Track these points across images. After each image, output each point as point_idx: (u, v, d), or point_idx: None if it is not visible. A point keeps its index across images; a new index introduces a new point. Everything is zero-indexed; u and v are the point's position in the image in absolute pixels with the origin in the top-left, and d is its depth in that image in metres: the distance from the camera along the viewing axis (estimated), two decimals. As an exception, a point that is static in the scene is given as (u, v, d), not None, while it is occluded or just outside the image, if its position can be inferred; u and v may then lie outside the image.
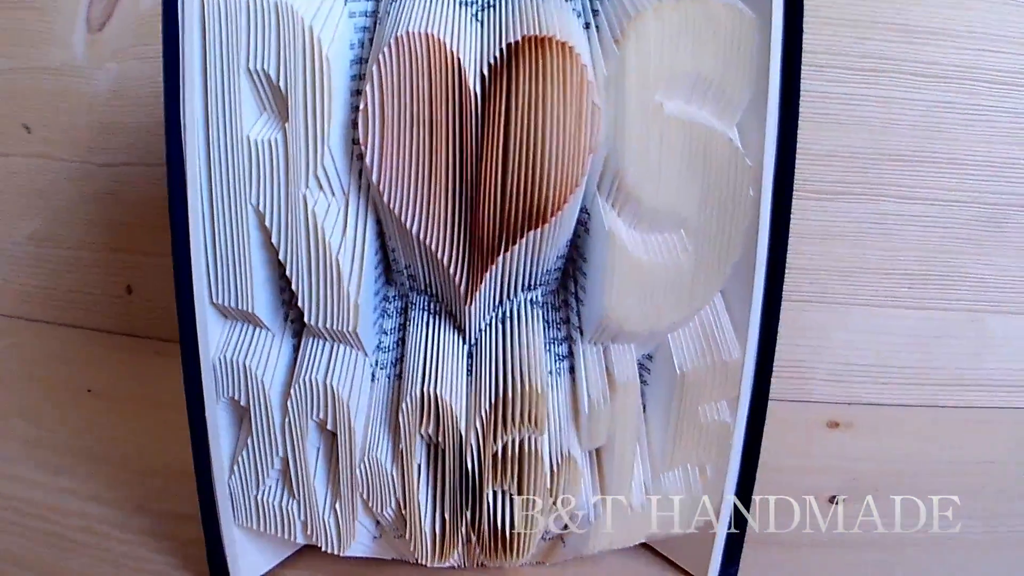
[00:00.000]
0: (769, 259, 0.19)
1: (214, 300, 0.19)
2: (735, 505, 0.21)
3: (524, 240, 0.17)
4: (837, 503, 0.27)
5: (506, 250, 0.17)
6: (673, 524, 0.21)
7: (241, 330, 0.19)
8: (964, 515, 0.25)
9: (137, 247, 0.40)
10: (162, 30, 0.17)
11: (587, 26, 0.18)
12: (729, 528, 0.21)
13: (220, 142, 0.18)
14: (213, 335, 0.19)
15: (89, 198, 0.40)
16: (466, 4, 0.17)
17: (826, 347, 0.35)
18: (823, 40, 0.32)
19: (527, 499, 0.19)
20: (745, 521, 0.21)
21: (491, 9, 0.17)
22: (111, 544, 0.24)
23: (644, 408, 0.20)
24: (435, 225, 0.17)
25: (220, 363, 0.19)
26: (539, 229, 0.17)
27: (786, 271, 0.37)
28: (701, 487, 0.21)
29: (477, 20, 0.17)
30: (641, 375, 0.20)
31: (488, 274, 0.18)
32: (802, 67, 0.18)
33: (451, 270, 0.17)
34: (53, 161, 0.40)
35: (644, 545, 0.23)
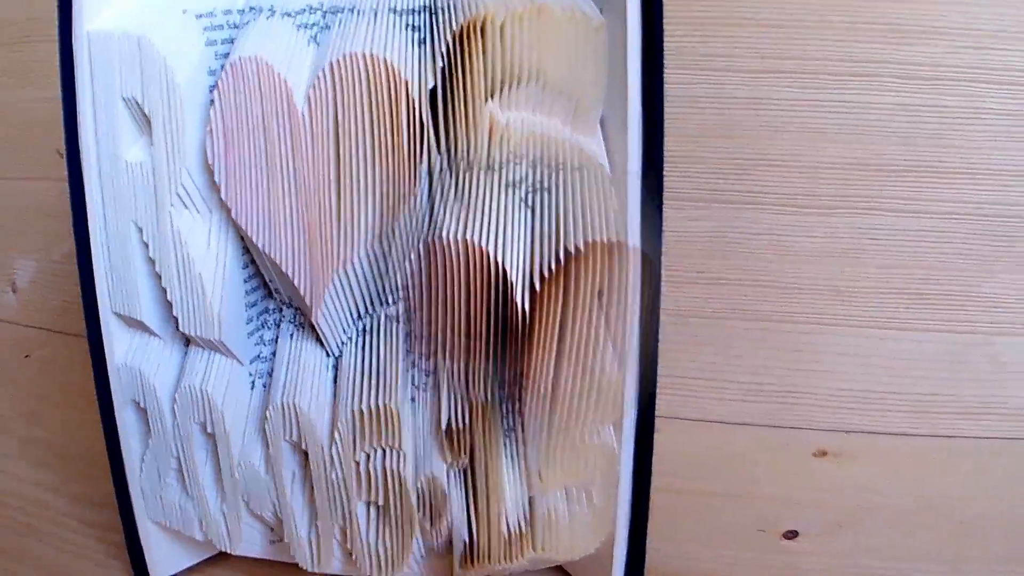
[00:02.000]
0: (644, 272, 0.18)
1: (114, 309, 0.20)
2: (629, 536, 0.20)
3: (361, 254, 0.17)
4: (795, 538, 0.24)
5: (345, 263, 0.17)
6: (560, 549, 0.20)
7: (140, 338, 0.21)
8: (930, 558, 0.23)
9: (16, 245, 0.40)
10: (59, 56, 0.19)
11: (422, 42, 0.17)
12: (628, 555, 0.20)
13: (106, 163, 0.19)
14: (120, 342, 0.21)
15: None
16: (305, 27, 0.18)
17: (818, 371, 0.32)
18: (811, 46, 0.29)
19: (393, 513, 0.19)
20: (644, 547, 0.20)
21: (325, 30, 0.18)
22: (77, 536, 0.26)
23: (523, 428, 0.20)
24: (277, 239, 0.18)
25: (123, 368, 0.21)
26: (378, 243, 0.17)
27: (777, 290, 0.34)
28: (588, 511, 0.20)
29: (316, 43, 0.17)
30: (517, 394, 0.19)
31: (330, 288, 0.18)
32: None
33: (295, 282, 0.18)
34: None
35: (560, 569, 0.22)
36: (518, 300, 0.14)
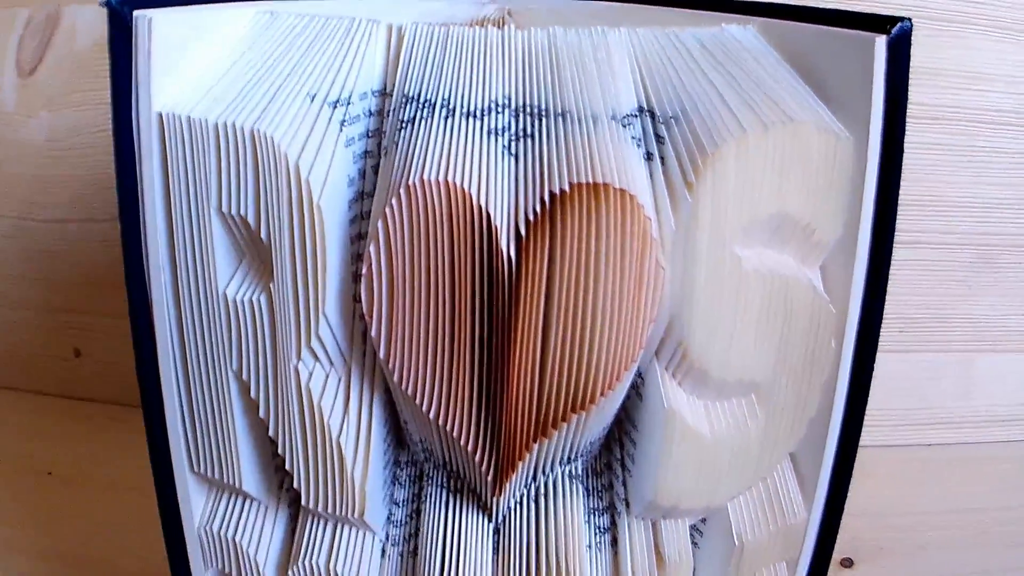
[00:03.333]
0: (846, 413, 0.16)
1: (195, 470, 0.16)
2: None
3: (565, 424, 0.14)
4: (851, 566, 0.25)
5: (543, 436, 0.14)
6: None
7: (228, 501, 0.16)
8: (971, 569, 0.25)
9: (84, 307, 0.36)
10: (115, 161, 0.14)
11: (648, 157, 0.14)
12: None
13: (191, 296, 0.14)
14: (197, 505, 0.16)
15: (29, 256, 0.36)
16: (495, 133, 0.14)
17: None
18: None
19: None
20: None
21: (528, 139, 0.14)
22: None
23: (694, 574, 0.18)
24: (457, 410, 0.14)
25: (207, 536, 0.16)
26: (583, 413, 0.14)
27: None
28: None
29: (510, 154, 0.14)
30: (692, 536, 0.17)
31: (521, 463, 0.15)
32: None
33: (476, 458, 0.14)
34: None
35: None
36: (503, 246, 0.13)
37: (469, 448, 0.14)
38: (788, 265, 0.15)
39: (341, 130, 0.14)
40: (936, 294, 0.33)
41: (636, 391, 0.15)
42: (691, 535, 0.17)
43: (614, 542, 0.17)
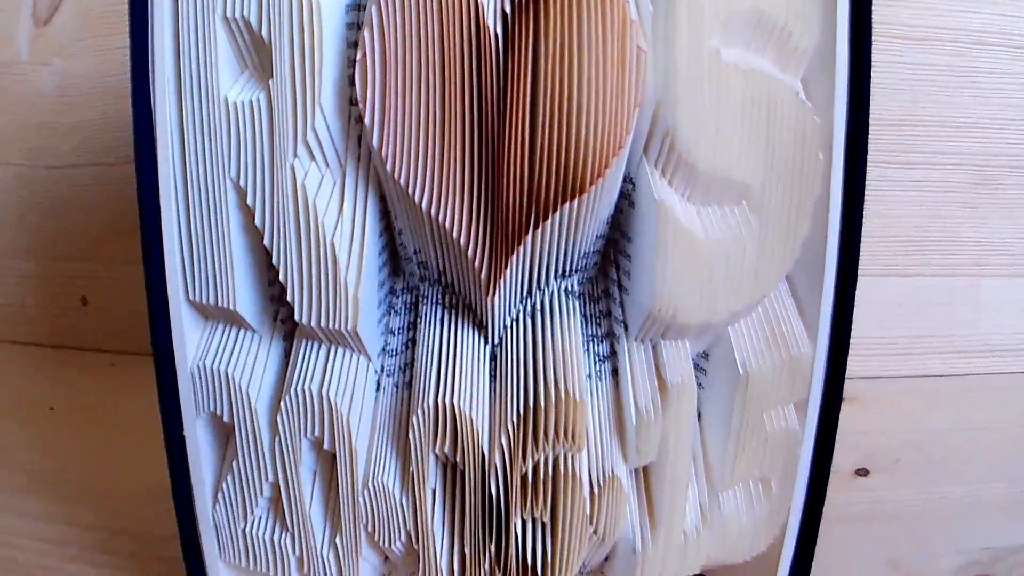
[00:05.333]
0: (843, 235, 0.16)
1: (191, 297, 0.16)
2: (802, 524, 0.18)
3: (557, 215, 0.14)
4: (867, 475, 0.26)
5: (536, 227, 0.14)
6: (733, 551, 0.18)
7: (223, 332, 0.16)
8: (990, 479, 0.26)
9: (90, 255, 0.37)
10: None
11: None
12: (796, 548, 0.18)
13: (194, 105, 0.15)
14: (191, 339, 0.16)
15: (37, 203, 0.37)
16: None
17: None
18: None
19: (562, 528, 0.16)
20: (814, 540, 0.18)
21: (512, -62, 0.15)
22: (85, 569, 0.21)
23: (700, 416, 0.17)
24: (450, 199, 0.14)
25: (199, 372, 0.16)
26: (575, 201, 0.14)
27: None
28: (766, 505, 0.18)
29: (496, -49, 0.14)
30: (696, 376, 0.17)
31: (515, 257, 0.15)
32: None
33: (470, 253, 0.15)
34: (-4, 164, 0.38)
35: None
36: (491, 25, 0.13)
37: (462, 241, 0.14)
38: (768, 68, 0.15)
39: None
40: (940, 216, 0.33)
41: (628, 200, 0.16)
42: (696, 376, 0.17)
43: (614, 372, 0.16)
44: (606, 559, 0.18)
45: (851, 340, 0.35)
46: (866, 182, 0.16)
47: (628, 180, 0.15)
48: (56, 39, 0.36)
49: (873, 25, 0.34)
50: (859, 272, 0.35)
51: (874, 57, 0.34)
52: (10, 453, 0.28)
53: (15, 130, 0.37)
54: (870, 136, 0.35)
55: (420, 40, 0.14)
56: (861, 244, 0.17)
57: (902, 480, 0.26)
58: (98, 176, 0.36)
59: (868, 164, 0.35)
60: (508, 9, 0.14)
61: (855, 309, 0.35)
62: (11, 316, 0.39)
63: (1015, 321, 0.34)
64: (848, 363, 0.34)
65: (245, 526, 0.17)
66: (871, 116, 0.34)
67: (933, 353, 0.34)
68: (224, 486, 0.17)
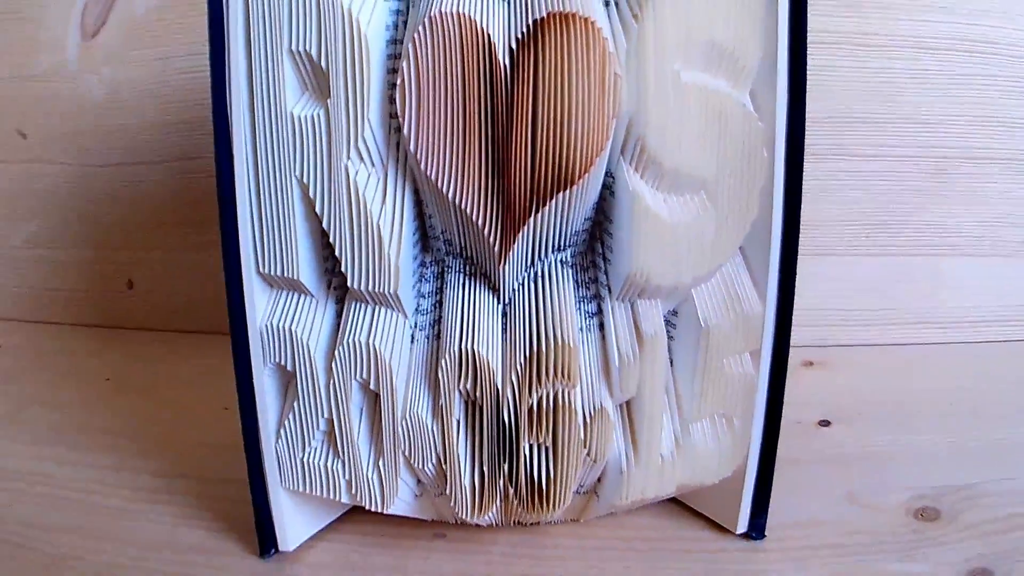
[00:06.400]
0: (785, 216, 0.20)
1: (260, 270, 0.20)
2: (761, 454, 0.22)
3: (554, 202, 0.18)
4: (829, 426, 0.29)
5: (537, 211, 0.18)
6: (703, 474, 0.22)
7: (286, 298, 0.20)
8: (939, 431, 0.29)
9: (136, 244, 0.41)
10: (208, 16, 0.19)
11: (607, 3, 0.19)
12: (757, 475, 0.22)
13: (265, 119, 0.19)
14: (260, 303, 0.20)
15: (85, 199, 0.41)
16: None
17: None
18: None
19: (561, 451, 0.20)
20: (772, 470, 0.22)
21: (516, -13, 0.18)
22: (161, 507, 0.25)
23: (672, 362, 0.21)
24: (470, 189, 0.18)
25: (267, 330, 0.20)
26: (568, 190, 0.18)
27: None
28: (729, 437, 0.22)
29: (503, 0, 0.18)
30: (668, 330, 0.21)
31: (520, 234, 0.19)
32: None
33: (485, 231, 0.19)
34: (49, 165, 0.41)
35: (674, 501, 0.24)
36: (500, 58, 0.17)
37: (479, 222, 0.18)
38: (722, 86, 0.19)
39: (379, -14, 0.19)
40: (899, 202, 0.37)
41: (609, 190, 0.20)
42: (667, 329, 0.21)
43: (601, 326, 0.21)
44: (599, 480, 0.22)
45: (820, 312, 0.39)
46: (803, 174, 0.20)
47: (609, 175, 0.19)
48: (103, 51, 0.39)
49: (840, 34, 0.38)
50: (827, 252, 0.40)
51: (841, 63, 0.38)
52: (77, 418, 0.31)
53: (69, 134, 0.41)
54: (835, 131, 0.40)
55: (446, 69, 0.18)
56: (801, 225, 0.21)
57: (861, 431, 0.29)
58: (141, 174, 0.40)
59: (838, 156, 0.40)
60: (514, 45, 0.17)
61: (822, 284, 0.40)
62: (65, 300, 0.43)
63: (968, 297, 0.37)
64: (816, 332, 0.39)
65: (303, 455, 0.21)
66: (838, 114, 0.39)
67: (893, 324, 0.38)
68: (286, 422, 0.21)
